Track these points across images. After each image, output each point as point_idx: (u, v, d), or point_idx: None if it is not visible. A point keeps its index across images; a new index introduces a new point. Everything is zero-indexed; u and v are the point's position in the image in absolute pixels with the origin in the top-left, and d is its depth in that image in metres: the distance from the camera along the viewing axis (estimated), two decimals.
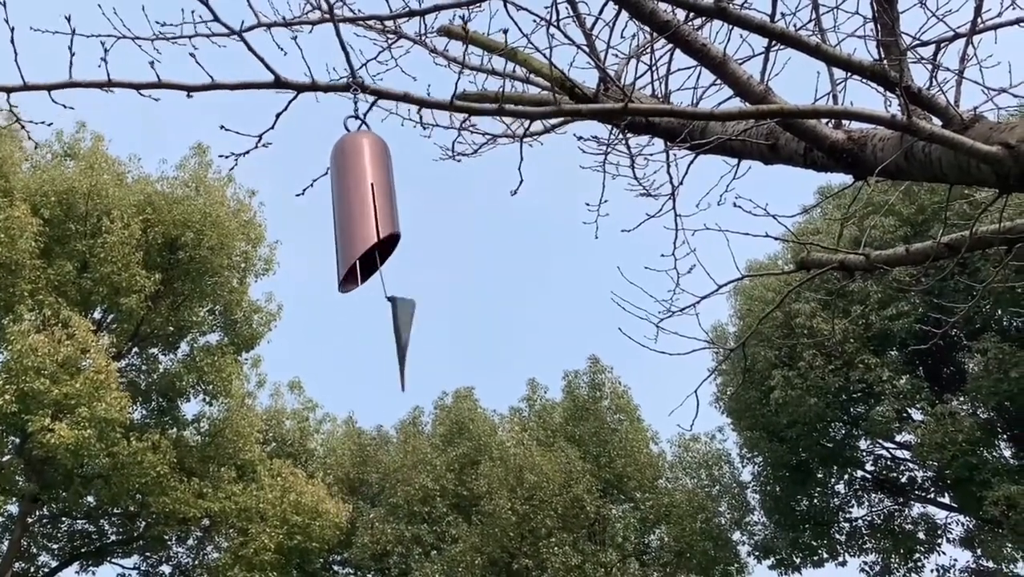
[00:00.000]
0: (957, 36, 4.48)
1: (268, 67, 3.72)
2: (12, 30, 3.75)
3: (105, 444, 22.49)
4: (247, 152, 4.24)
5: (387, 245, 3.59)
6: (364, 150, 3.70)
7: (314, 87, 3.80)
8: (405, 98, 3.88)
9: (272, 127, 4.03)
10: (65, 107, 3.96)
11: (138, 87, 3.83)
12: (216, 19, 3.92)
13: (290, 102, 3.88)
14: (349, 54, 3.98)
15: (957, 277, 18.21)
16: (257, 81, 3.79)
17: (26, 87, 3.92)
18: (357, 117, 3.83)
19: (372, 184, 3.58)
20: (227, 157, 4.33)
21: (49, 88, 3.93)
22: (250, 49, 3.72)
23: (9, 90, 4.01)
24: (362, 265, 3.53)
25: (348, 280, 3.55)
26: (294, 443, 32.63)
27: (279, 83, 3.76)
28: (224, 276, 26.73)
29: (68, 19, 3.86)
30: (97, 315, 26.56)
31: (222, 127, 4.06)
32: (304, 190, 4.23)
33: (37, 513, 27.00)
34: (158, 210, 25.82)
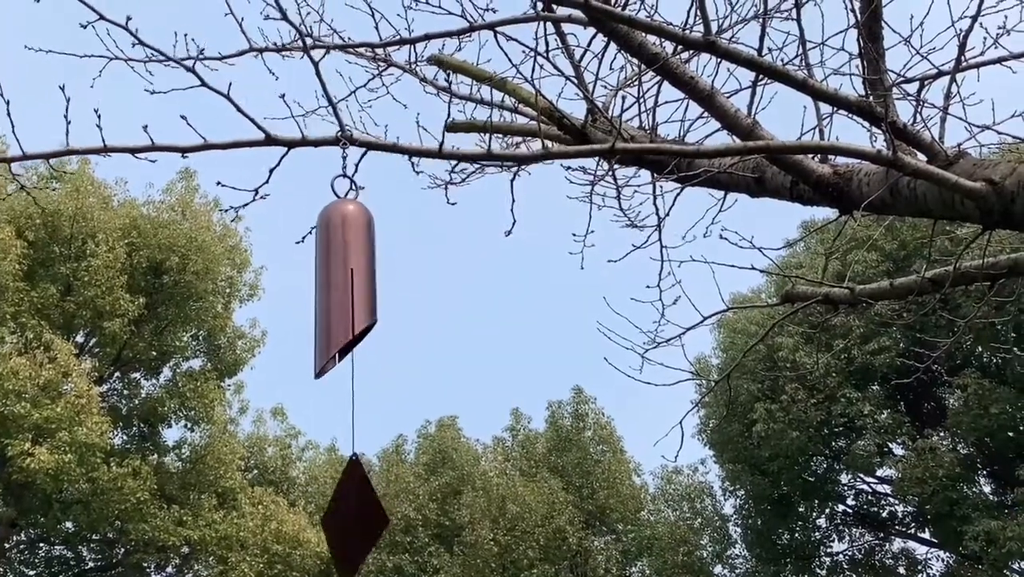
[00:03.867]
0: (941, 74, 4.54)
1: (258, 126, 3.76)
2: (8, 103, 3.79)
3: (85, 469, 22.33)
4: (245, 205, 4.28)
5: (364, 330, 3.68)
6: (348, 226, 3.75)
7: (304, 142, 3.85)
8: (395, 148, 3.93)
9: (267, 181, 4.07)
10: (66, 173, 3.98)
11: (133, 151, 3.87)
12: (204, 84, 3.95)
13: (282, 158, 3.92)
14: (332, 99, 4.04)
15: (939, 312, 18.30)
16: (248, 140, 3.83)
17: (25, 157, 3.97)
18: (346, 176, 3.86)
19: (352, 270, 3.65)
20: (226, 211, 4.41)
21: (47, 156, 3.99)
22: (239, 109, 3.76)
23: (10, 160, 4.08)
24: (340, 355, 3.67)
25: (325, 366, 3.66)
26: (276, 471, 32.43)
27: (270, 140, 3.81)
28: (208, 301, 26.64)
29: (63, 88, 3.89)
30: (80, 339, 26.41)
31: (219, 183, 4.12)
32: (303, 238, 4.25)
33: (14, 538, 26.74)
34: (143, 234, 25.76)
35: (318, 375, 3.62)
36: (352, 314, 3.56)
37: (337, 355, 3.63)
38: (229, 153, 3.84)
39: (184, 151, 3.88)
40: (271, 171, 3.98)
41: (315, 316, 3.66)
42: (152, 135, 3.78)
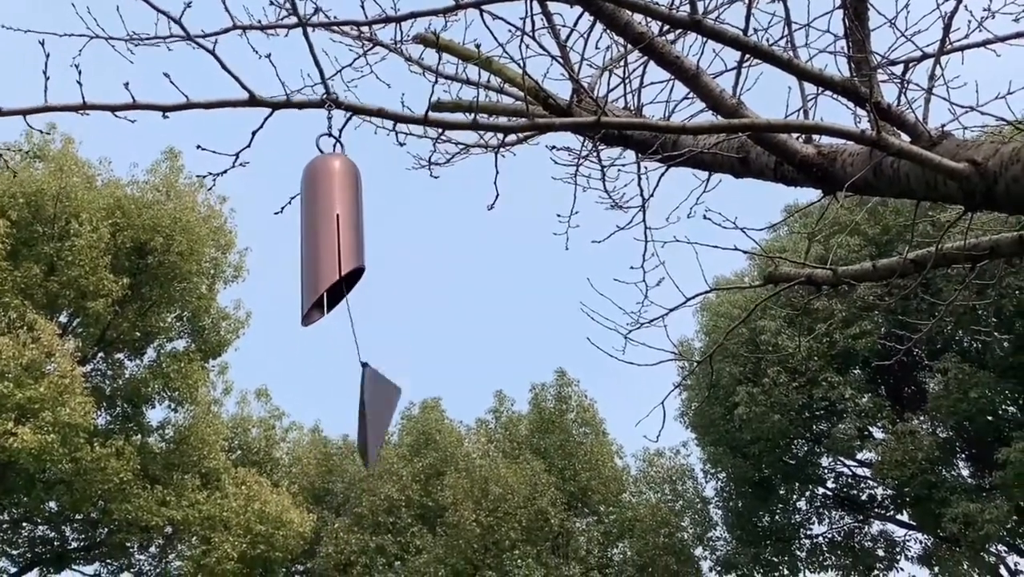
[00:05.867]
0: (926, 56, 4.57)
1: (243, 85, 3.73)
2: None
3: (68, 449, 22.25)
4: (224, 172, 4.22)
5: (352, 276, 3.63)
6: (333, 177, 3.72)
7: (289, 104, 3.81)
8: (380, 113, 3.91)
9: (248, 145, 4.02)
10: (41, 132, 3.95)
11: (113, 108, 3.82)
12: (189, 37, 3.93)
13: (266, 119, 3.88)
14: (321, 65, 4.01)
15: (920, 296, 18.40)
16: (232, 99, 3.79)
17: (1, 113, 3.92)
18: (331, 135, 3.83)
19: (338, 215, 3.62)
20: (204, 176, 4.33)
21: (24, 113, 3.93)
22: (224, 67, 3.73)
23: None
24: (328, 295, 3.58)
25: (311, 313, 3.60)
26: (259, 451, 32.40)
27: (254, 101, 3.78)
28: (193, 282, 26.53)
29: (42, 43, 3.86)
30: (63, 319, 26.30)
31: (199, 147, 4.06)
32: (283, 208, 4.23)
33: None
34: (127, 214, 25.62)
35: (305, 322, 3.60)
36: (339, 256, 3.52)
37: (325, 305, 3.58)
38: (212, 123, 3.83)
39: (166, 109, 3.84)
40: (254, 133, 3.93)
41: (300, 262, 3.61)
42: (133, 93, 3.75)
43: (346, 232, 3.59)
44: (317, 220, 3.62)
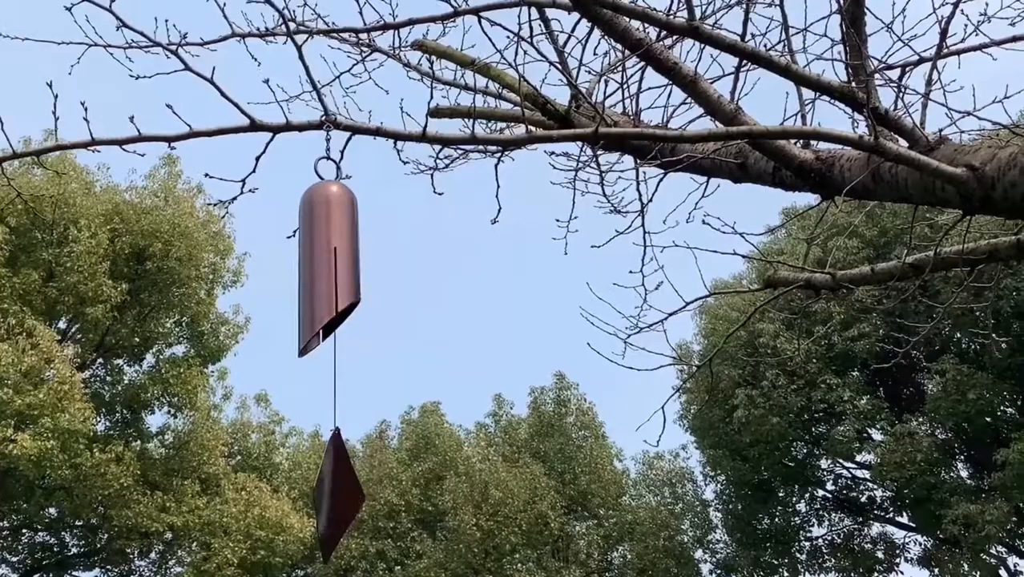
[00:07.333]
0: (922, 60, 4.59)
1: (243, 111, 3.77)
2: None
3: (68, 455, 22.23)
4: (234, 199, 4.29)
5: (348, 307, 3.68)
6: (331, 206, 3.76)
7: (289, 127, 3.84)
8: (379, 132, 3.94)
9: (253, 171, 4.06)
10: (57, 172, 3.97)
11: (121, 143, 3.88)
12: (188, 68, 3.95)
13: (267, 144, 3.91)
14: (315, 82, 4.04)
15: (918, 299, 18.40)
16: (233, 126, 3.83)
17: (15, 155, 3.97)
18: (329, 159, 3.86)
19: (335, 249, 3.66)
20: (215, 205, 4.39)
21: (37, 153, 4.00)
22: (223, 95, 3.77)
23: (2, 160, 4.07)
24: (324, 333, 3.67)
25: (309, 345, 3.66)
26: (259, 457, 32.35)
27: (255, 126, 3.81)
28: (192, 287, 26.51)
29: (50, 85, 3.88)
30: (62, 325, 26.29)
31: (207, 175, 4.12)
32: (295, 232, 4.26)
33: None
34: (126, 220, 25.61)
35: (302, 353, 3.64)
36: (336, 292, 3.57)
37: (321, 333, 3.64)
38: (212, 138, 3.84)
39: (171, 140, 3.89)
40: (257, 159, 3.98)
41: (298, 295, 3.66)
42: (138, 125, 3.78)
43: (343, 267, 3.65)
44: (314, 252, 3.68)
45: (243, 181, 4.11)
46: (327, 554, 3.90)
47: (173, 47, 4.22)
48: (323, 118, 3.87)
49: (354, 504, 3.91)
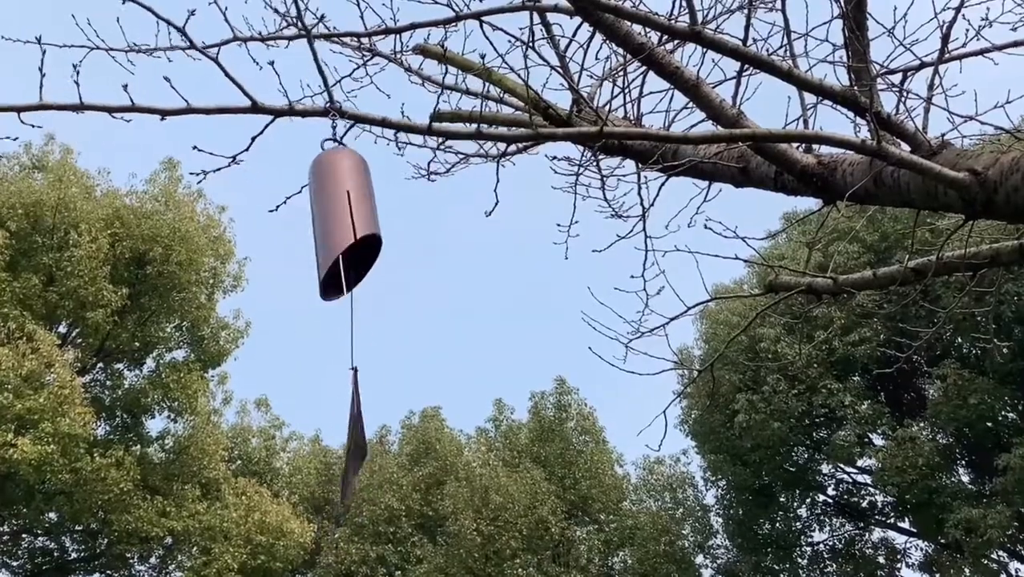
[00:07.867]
0: (924, 65, 4.58)
1: (245, 92, 3.71)
2: None
3: (68, 460, 22.22)
4: (218, 169, 4.16)
5: (369, 251, 3.57)
6: (342, 163, 3.70)
7: (291, 112, 3.79)
8: (384, 123, 3.91)
9: (247, 149, 3.99)
10: (33, 126, 3.91)
11: (111, 110, 3.79)
12: (192, 46, 3.91)
13: (267, 126, 3.85)
14: (326, 75, 3.99)
15: (920, 304, 18.41)
16: (234, 106, 3.76)
17: None
18: (335, 140, 3.82)
19: (348, 191, 3.57)
20: (198, 174, 4.26)
21: (19, 110, 3.88)
22: (226, 74, 3.70)
23: None
24: (346, 275, 3.51)
25: (331, 290, 3.53)
26: (260, 461, 32.38)
27: (256, 108, 3.75)
28: (192, 292, 26.52)
29: (39, 40, 3.84)
30: (62, 329, 26.29)
31: (195, 147, 4.01)
32: (277, 207, 4.22)
33: None
34: (126, 224, 25.62)
35: (325, 296, 3.53)
36: (352, 224, 3.46)
37: (344, 282, 3.50)
38: (214, 135, 3.80)
39: (165, 113, 3.80)
40: (253, 138, 3.89)
41: (314, 239, 3.55)
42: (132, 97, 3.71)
43: (359, 203, 3.56)
44: (327, 197, 3.59)
45: (232, 157, 4.04)
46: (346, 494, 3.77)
47: (179, 27, 4.17)
48: (327, 105, 3.84)
49: (362, 453, 3.79)
